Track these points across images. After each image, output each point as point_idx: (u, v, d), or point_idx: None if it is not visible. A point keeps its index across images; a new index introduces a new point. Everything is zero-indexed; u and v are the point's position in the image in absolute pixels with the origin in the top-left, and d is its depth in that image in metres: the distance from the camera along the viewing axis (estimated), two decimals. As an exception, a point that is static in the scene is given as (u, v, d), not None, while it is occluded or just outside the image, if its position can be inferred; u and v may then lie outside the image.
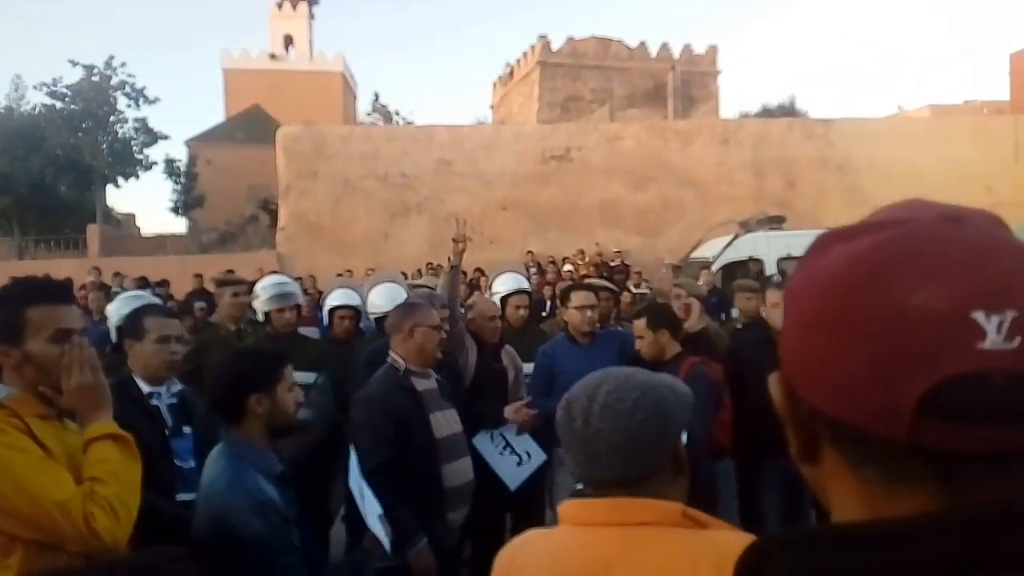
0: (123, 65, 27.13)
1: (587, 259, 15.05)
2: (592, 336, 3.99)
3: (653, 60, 33.27)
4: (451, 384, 3.58)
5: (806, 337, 0.53)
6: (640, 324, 3.49)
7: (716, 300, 7.62)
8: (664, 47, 33.76)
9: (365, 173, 18.19)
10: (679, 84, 29.54)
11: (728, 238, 10.35)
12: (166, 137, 28.76)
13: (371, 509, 2.44)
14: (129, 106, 27.53)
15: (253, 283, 4.63)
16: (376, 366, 3.16)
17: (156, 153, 47.57)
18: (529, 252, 16.08)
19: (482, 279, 11.75)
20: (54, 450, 1.68)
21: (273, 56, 46.82)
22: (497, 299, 4.46)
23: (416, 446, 2.82)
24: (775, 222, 10.54)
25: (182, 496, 2.45)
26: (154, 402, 2.65)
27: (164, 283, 12.12)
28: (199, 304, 7.28)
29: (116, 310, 4.09)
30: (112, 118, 27.03)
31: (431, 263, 15.30)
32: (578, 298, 4.02)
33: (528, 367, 4.10)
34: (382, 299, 4.46)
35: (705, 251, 10.58)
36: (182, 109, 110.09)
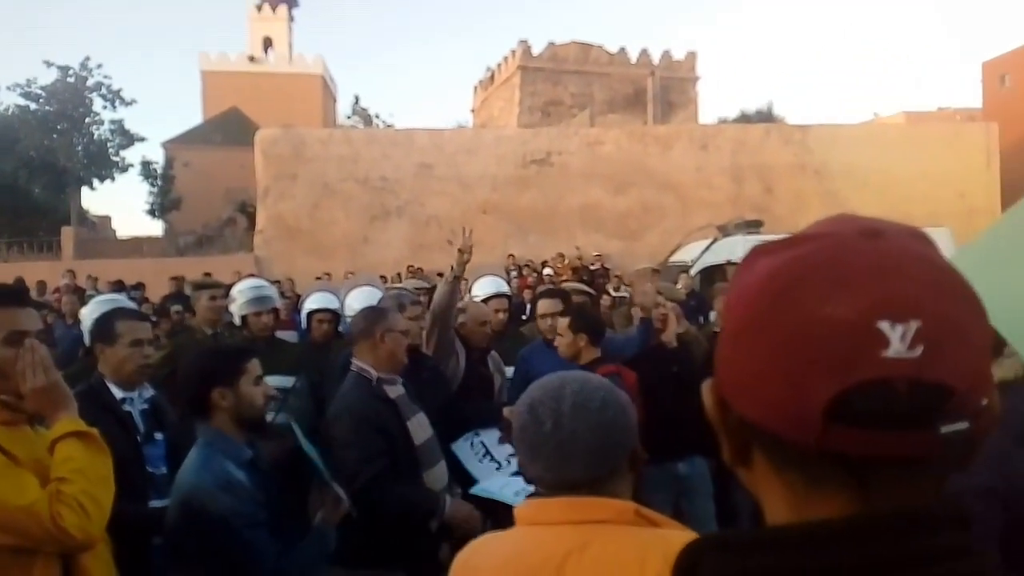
0: (99, 66, 26.84)
1: (566, 263, 15.08)
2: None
3: (633, 65, 33.50)
4: (433, 389, 3.56)
5: (732, 347, 0.55)
6: (563, 323, 3.47)
7: (694, 304, 7.68)
8: (644, 53, 34.00)
9: (344, 176, 18.11)
10: (658, 89, 29.75)
11: (707, 242, 10.44)
12: (143, 139, 28.46)
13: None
14: (105, 107, 27.23)
15: (230, 286, 4.58)
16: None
17: (132, 155, 47.09)
18: (510, 256, 16.09)
19: (462, 283, 11.76)
20: (20, 456, 1.66)
21: (252, 58, 46.51)
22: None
23: (398, 455, 2.79)
24: (753, 226, 10.65)
25: (155, 503, 2.42)
26: (126, 408, 2.62)
27: (140, 286, 11.98)
28: (175, 307, 7.19)
29: (90, 313, 4.02)
30: (87, 120, 26.70)
31: (411, 266, 15.27)
32: (541, 306, 4.08)
33: (509, 371, 4.11)
34: (360, 303, 4.43)
35: (684, 255, 10.65)
36: (159, 111, 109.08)
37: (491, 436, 3.46)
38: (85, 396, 2.38)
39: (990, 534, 1.34)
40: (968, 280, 0.54)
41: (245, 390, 2.23)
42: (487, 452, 3.37)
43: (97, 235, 28.85)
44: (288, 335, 5.63)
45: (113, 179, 27.73)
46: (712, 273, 9.54)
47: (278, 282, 9.97)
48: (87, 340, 3.98)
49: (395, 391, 2.88)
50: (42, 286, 12.66)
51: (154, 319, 5.93)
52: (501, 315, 4.50)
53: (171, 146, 36.97)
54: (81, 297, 7.79)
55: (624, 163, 18.81)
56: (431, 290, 6.01)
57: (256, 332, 4.21)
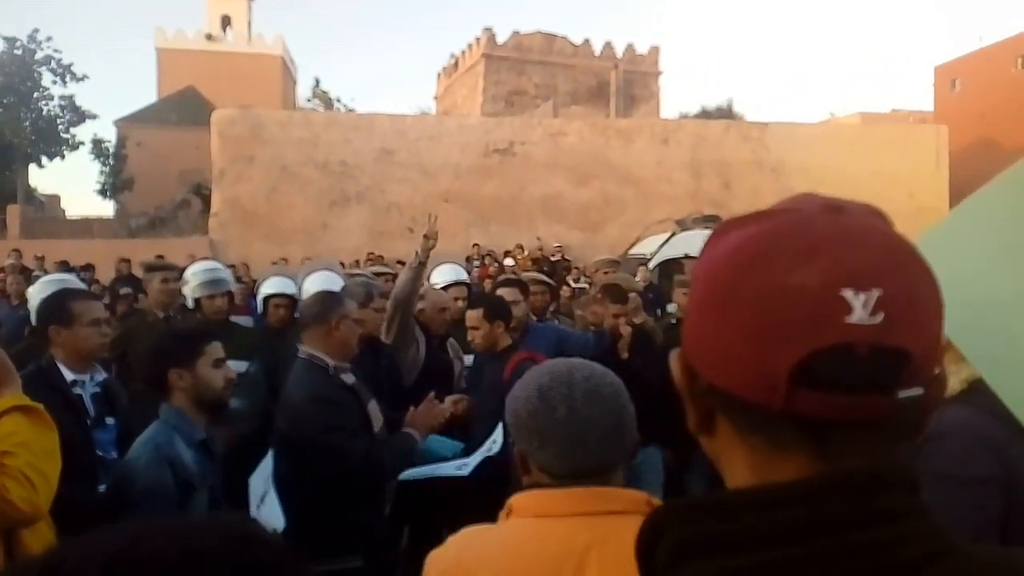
0: (49, 39, 25.95)
1: (527, 254, 15.12)
2: (522, 330, 4.02)
3: (597, 58, 33.61)
4: (388, 376, 3.54)
5: (700, 316, 0.58)
6: (476, 315, 3.46)
7: (652, 296, 7.78)
8: (608, 46, 34.13)
9: (303, 160, 17.85)
10: (621, 83, 29.92)
11: (665, 236, 10.57)
12: (94, 116, 27.64)
13: (269, 515, 2.39)
14: (55, 82, 26.37)
15: (183, 269, 4.49)
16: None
17: (83, 133, 45.63)
18: (475, 245, 16.06)
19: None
20: None
21: (210, 37, 45.34)
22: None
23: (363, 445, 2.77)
24: (710, 221, 10.82)
25: (104, 488, 2.37)
26: (77, 391, 2.56)
27: (89, 267, 11.65)
28: (125, 290, 7.01)
29: (37, 293, 3.91)
30: (36, 94, 25.84)
31: (371, 254, 15.14)
32: (501, 295, 4.07)
33: (468, 359, 4.11)
34: (319, 288, 4.39)
35: (643, 248, 10.78)
36: (112, 88, 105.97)
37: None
38: (35, 377, 2.33)
39: (991, 521, 1.36)
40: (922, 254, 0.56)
41: (203, 372, 2.24)
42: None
43: (45, 214, 27.95)
44: (243, 320, 5.54)
45: (63, 157, 26.94)
46: (670, 266, 9.67)
47: (233, 266, 9.80)
48: (33, 320, 3.88)
49: (350, 379, 2.82)
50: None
51: (105, 301, 5.78)
52: (460, 303, 4.49)
53: (124, 124, 35.86)
54: (28, 277, 7.53)
55: (586, 155, 18.90)
56: (393, 276, 5.98)
57: (210, 315, 4.13)
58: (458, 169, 18.42)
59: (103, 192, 30.85)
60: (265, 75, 44.21)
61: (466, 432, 3.24)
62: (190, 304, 4.24)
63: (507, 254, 14.94)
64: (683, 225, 10.74)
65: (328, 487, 2.57)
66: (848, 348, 0.51)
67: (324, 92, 36.06)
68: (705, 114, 35.15)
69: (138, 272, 7.99)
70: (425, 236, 3.89)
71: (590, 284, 8.66)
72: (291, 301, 4.55)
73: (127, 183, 30.35)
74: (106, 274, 11.56)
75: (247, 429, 3.56)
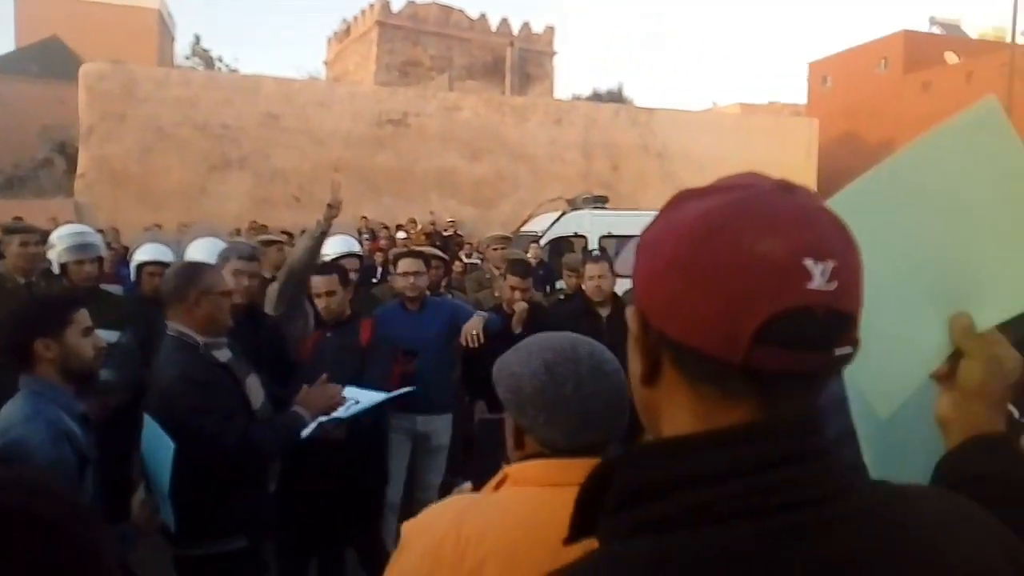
0: None
1: (420, 227, 14.97)
2: (421, 302, 4.01)
3: (493, 33, 33.49)
4: (271, 348, 3.43)
5: (663, 277, 0.62)
6: (333, 280, 3.49)
7: (543, 273, 7.92)
8: (504, 22, 34.07)
9: (181, 120, 16.83)
10: (517, 60, 29.97)
11: (556, 214, 10.74)
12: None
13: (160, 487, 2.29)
14: None
15: (47, 233, 4.17)
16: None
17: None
18: (364, 217, 15.71)
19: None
20: None
21: (76, -18, 41.74)
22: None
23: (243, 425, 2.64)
24: (599, 201, 11.06)
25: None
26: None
27: (-68, 228, 10.55)
28: (-24, 254, 6.41)
29: None
30: None
31: (254, 222, 14.52)
32: (404, 264, 4.08)
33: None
34: (203, 255, 4.18)
35: (535, 225, 10.90)
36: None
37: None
38: None
39: None
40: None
41: (72, 341, 2.12)
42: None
43: None
44: (112, 289, 5.21)
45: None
46: (560, 244, 9.85)
47: (101, 231, 9.15)
48: None
49: (224, 355, 2.63)
50: None
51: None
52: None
53: (-26, 72, 32.54)
54: None
55: (481, 130, 18.86)
56: (280, 244, 5.78)
57: (77, 282, 3.87)
58: (349, 138, 17.93)
59: (-51, 146, 27.94)
60: (139, 29, 41.17)
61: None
62: (56, 269, 3.94)
63: (399, 227, 14.72)
64: (574, 204, 10.93)
65: (205, 468, 2.45)
66: (808, 310, 0.58)
67: (205, 51, 34.13)
68: (597, 97, 35.85)
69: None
70: (329, 205, 3.81)
71: (482, 260, 8.70)
72: (167, 269, 4.32)
73: (-22, 137, 27.60)
74: (-47, 236, 10.53)
75: (119, 401, 3.37)
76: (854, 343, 0.61)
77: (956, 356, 0.84)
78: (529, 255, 7.52)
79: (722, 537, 0.57)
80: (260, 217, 15.18)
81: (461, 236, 14.11)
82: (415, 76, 30.69)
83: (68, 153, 21.75)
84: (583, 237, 10.14)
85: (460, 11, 33.75)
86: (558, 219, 10.48)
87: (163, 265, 4.30)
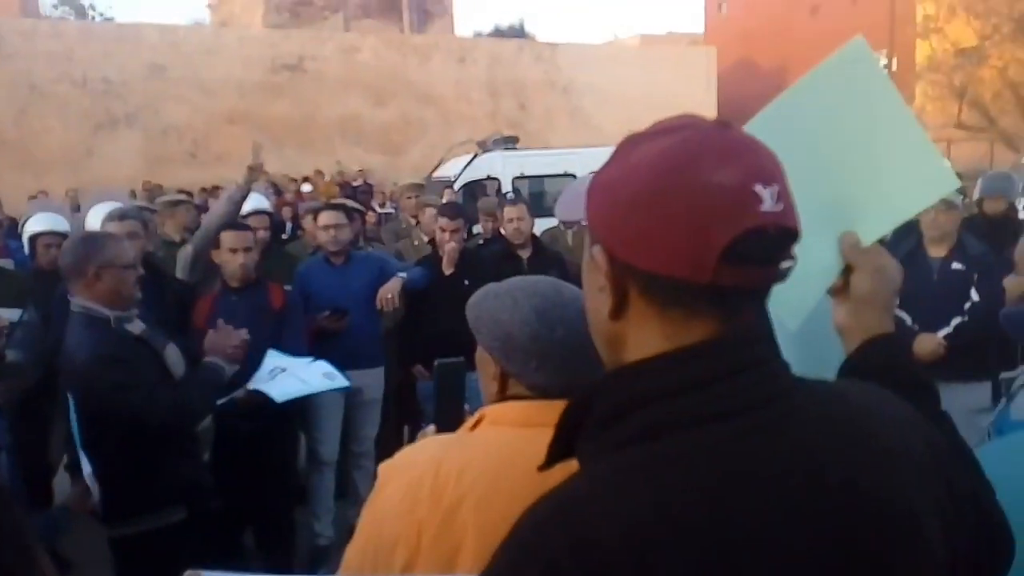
0: None
1: (328, 179, 14.53)
2: (346, 256, 3.95)
3: (387, -31, 32.17)
4: (178, 315, 3.31)
5: (629, 214, 0.68)
6: (247, 236, 3.48)
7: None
8: (398, -44, 32.75)
9: (57, 77, 15.60)
10: (414, -3, 28.95)
11: (468, 158, 10.63)
12: None
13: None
14: None
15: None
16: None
17: None
18: (264, 171, 15.08)
19: (210, 200, 10.84)
20: None
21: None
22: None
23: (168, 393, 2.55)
24: (510, 142, 10.98)
25: None
26: None
27: None
28: None
29: None
30: None
31: (148, 183, 13.76)
32: (324, 218, 4.00)
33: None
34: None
35: (446, 170, 10.77)
36: None
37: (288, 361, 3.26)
38: None
39: None
40: None
41: None
42: (283, 369, 3.20)
43: None
44: (2, 263, 4.89)
45: None
46: (474, 188, 9.79)
47: (-20, 202, 8.49)
48: None
49: (137, 327, 2.49)
50: None
51: None
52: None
53: None
54: None
55: (383, 73, 18.31)
56: (194, 205, 5.56)
57: (-36, 260, 3.61)
58: (243, 87, 17.07)
59: None
60: (-6, -26, 37.44)
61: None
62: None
63: (305, 179, 14.24)
64: (484, 147, 10.82)
65: (134, 443, 2.39)
66: (762, 230, 0.66)
67: (73, -3, 31.37)
68: (499, 33, 35.20)
69: None
70: (249, 167, 3.67)
71: (396, 209, 8.57)
72: (64, 239, 4.07)
73: None
74: None
75: (29, 382, 3.22)
76: (794, 257, 0.70)
77: (848, 270, 0.94)
78: (444, 201, 7.45)
79: (700, 438, 0.66)
80: (155, 177, 14.40)
81: (372, 185, 13.81)
82: (307, 17, 29.22)
83: (-72, 117, 19.87)
84: (496, 179, 10.10)
85: (350, -54, 32.18)
86: (470, 163, 10.38)
87: (59, 235, 4.06)
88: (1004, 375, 2.46)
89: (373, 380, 3.96)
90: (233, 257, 3.36)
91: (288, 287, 3.74)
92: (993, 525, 0.81)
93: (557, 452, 0.75)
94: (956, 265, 3.51)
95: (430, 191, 7.39)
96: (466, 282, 3.74)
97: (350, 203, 5.15)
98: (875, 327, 0.93)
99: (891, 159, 0.98)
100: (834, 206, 0.95)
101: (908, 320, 3.42)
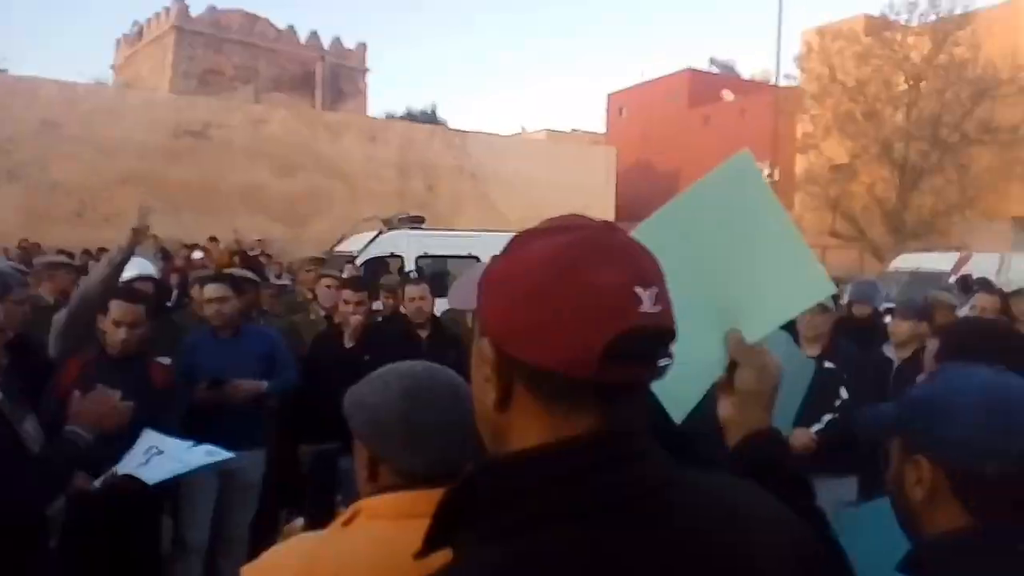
0: None
1: (223, 247, 14.06)
2: (235, 329, 3.80)
3: (302, 46, 32.47)
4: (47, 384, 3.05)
5: (518, 309, 0.70)
6: (139, 311, 3.25)
7: (359, 294, 7.75)
8: (313, 35, 33.15)
9: (-64, 124, 14.68)
10: (328, 75, 29.37)
11: (372, 234, 10.60)
12: None
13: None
14: None
15: None
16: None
17: None
18: (154, 236, 14.43)
19: (91, 263, 10.26)
20: None
21: None
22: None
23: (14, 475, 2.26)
24: (416, 221, 11.05)
25: None
26: None
27: None
28: None
29: None
30: None
31: (24, 240, 12.93)
32: (208, 290, 3.87)
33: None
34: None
35: (350, 245, 10.68)
36: None
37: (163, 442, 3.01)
38: None
39: None
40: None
41: None
42: (160, 451, 2.94)
43: None
44: None
45: None
46: (376, 265, 9.73)
47: None
48: None
49: None
50: None
51: None
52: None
53: None
54: None
55: (292, 145, 18.23)
56: (73, 267, 5.25)
57: None
58: (143, 149, 16.56)
59: None
60: None
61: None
62: None
63: (195, 247, 13.70)
64: (389, 224, 10.84)
65: None
66: (642, 329, 0.69)
67: (-36, 43, 29.87)
68: (411, 116, 35.93)
69: None
70: (134, 230, 3.49)
71: (293, 281, 8.37)
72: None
73: None
74: None
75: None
76: (671, 355, 0.73)
77: (733, 366, 0.99)
78: (345, 276, 7.35)
79: (576, 531, 0.67)
80: (35, 235, 13.56)
81: (270, 256, 13.47)
82: (217, 86, 28.97)
83: None
84: (399, 257, 10.08)
85: (266, 19, 32.42)
86: (374, 239, 10.34)
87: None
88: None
89: (251, 463, 3.73)
90: (116, 330, 3.14)
91: (169, 360, 3.54)
92: None
93: (435, 540, 0.74)
94: (828, 364, 3.71)
95: (332, 265, 7.29)
96: (366, 357, 3.66)
97: (242, 272, 4.98)
98: (756, 421, 0.97)
99: (774, 264, 1.05)
100: (721, 306, 1.00)
101: (845, 394, 3.58)
